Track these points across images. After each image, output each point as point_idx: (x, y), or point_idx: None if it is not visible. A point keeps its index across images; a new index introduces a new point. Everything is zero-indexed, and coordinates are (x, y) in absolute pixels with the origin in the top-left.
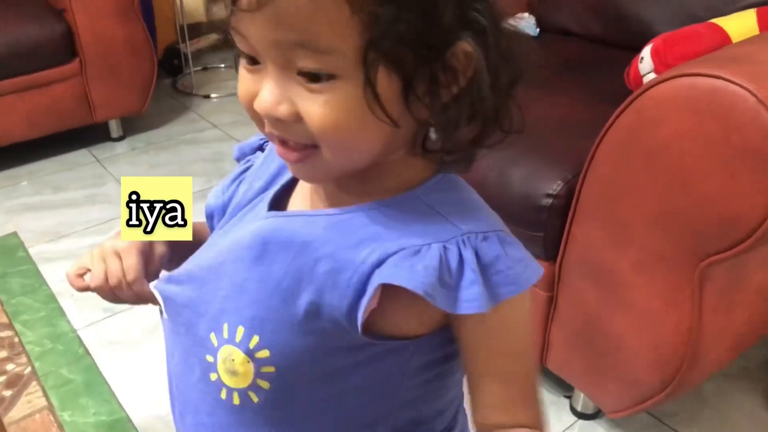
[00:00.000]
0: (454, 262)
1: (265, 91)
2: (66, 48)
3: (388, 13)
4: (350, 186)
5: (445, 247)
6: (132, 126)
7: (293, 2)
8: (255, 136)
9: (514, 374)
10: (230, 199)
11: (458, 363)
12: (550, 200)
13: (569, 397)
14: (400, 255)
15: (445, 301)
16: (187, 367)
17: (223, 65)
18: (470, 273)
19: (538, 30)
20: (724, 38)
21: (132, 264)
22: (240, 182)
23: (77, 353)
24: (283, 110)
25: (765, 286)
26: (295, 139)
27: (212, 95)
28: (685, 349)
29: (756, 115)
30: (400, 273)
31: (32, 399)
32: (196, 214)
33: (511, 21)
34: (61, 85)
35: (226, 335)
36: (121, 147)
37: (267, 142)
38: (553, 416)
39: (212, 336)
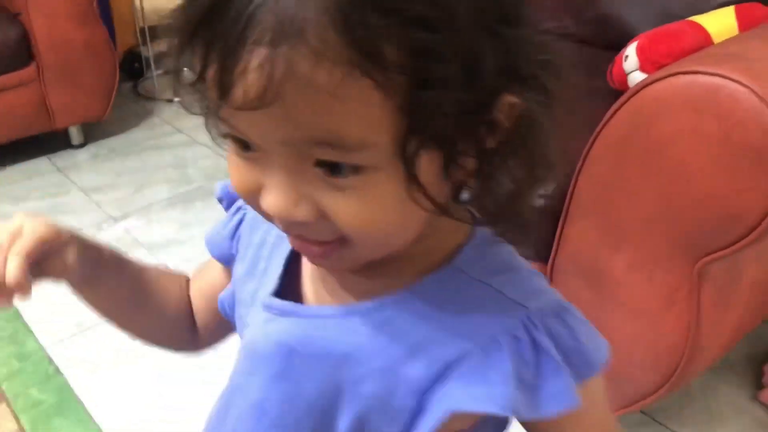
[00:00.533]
0: (529, 354)
1: (274, 191)
2: (22, 52)
3: (430, 93)
4: (378, 266)
5: (515, 338)
6: (93, 132)
7: (307, 96)
8: None
9: None
10: (236, 253)
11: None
12: (541, 201)
13: None
14: (466, 366)
15: (528, 405)
16: None
17: (186, 68)
18: (551, 362)
19: None
20: (705, 36)
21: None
22: (238, 240)
23: (47, 372)
24: (302, 212)
25: (758, 279)
26: (319, 237)
27: (175, 99)
28: (683, 347)
29: (757, 113)
30: (475, 392)
31: (1, 423)
32: (160, 231)
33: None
34: (17, 90)
35: None
36: (82, 154)
37: None
38: None
39: None
